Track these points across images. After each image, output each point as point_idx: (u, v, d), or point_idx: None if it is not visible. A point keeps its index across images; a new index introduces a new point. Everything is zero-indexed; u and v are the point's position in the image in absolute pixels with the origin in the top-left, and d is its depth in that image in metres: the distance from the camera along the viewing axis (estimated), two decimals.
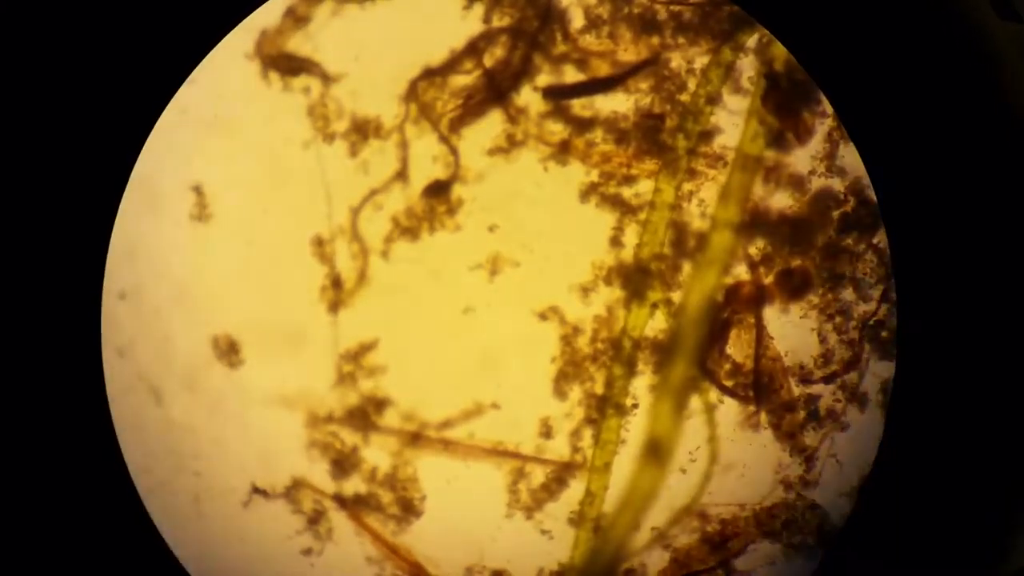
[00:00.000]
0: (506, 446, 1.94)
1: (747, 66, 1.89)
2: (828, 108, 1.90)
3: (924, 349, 1.89)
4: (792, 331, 1.94)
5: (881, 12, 1.85)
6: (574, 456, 1.95)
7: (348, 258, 1.92)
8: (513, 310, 1.91)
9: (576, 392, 1.93)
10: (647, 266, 1.91)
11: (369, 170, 1.90)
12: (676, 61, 1.89)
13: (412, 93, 1.89)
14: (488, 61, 1.89)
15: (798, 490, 1.96)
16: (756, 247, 1.92)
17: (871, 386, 1.94)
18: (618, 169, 1.89)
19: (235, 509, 2.01)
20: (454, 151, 1.90)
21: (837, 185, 1.91)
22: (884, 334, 1.92)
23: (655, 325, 1.92)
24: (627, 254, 1.91)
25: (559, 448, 1.95)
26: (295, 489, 1.99)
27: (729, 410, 1.95)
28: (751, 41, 1.89)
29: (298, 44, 1.90)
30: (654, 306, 1.92)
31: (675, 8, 1.88)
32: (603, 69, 1.89)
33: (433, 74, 1.89)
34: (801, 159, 1.91)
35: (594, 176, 1.89)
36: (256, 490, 2.00)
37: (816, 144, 1.91)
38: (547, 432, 1.94)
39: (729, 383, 1.94)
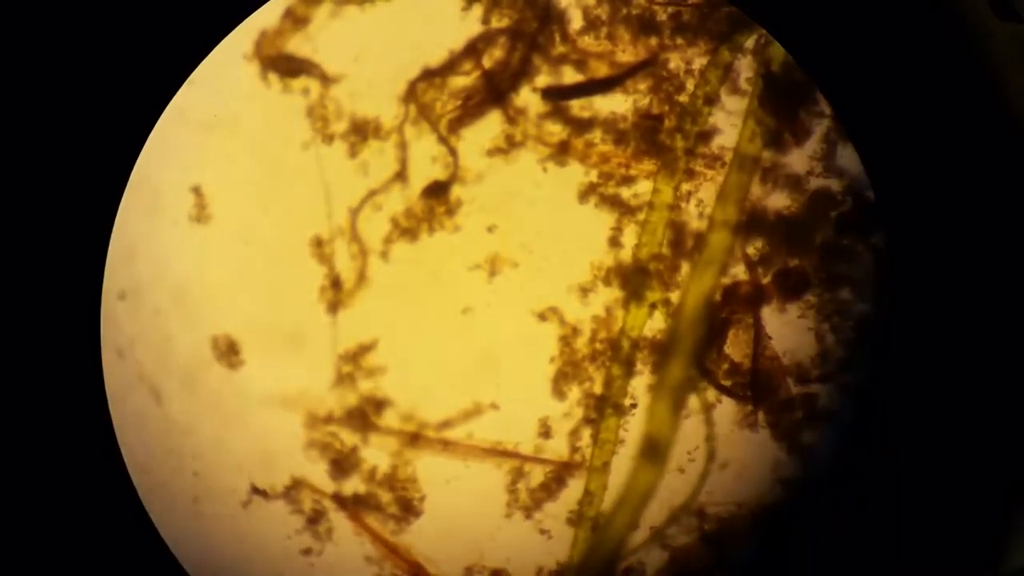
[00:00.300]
0: (505, 446, 1.95)
1: (745, 67, 1.90)
2: (826, 108, 1.90)
3: (922, 349, 1.89)
4: (790, 331, 1.94)
5: (879, 12, 1.85)
6: (573, 456, 1.95)
7: (347, 259, 1.92)
8: (512, 310, 1.91)
9: (575, 392, 1.93)
10: (646, 266, 1.91)
11: (368, 171, 1.90)
12: (674, 62, 1.89)
13: (411, 94, 1.90)
14: (487, 62, 1.89)
15: (796, 489, 1.96)
16: (754, 247, 1.92)
17: (868, 386, 1.94)
18: (617, 170, 1.90)
19: (235, 509, 2.01)
20: (453, 152, 1.90)
21: (835, 185, 1.91)
22: (881, 334, 1.93)
23: (653, 325, 1.93)
24: (626, 254, 1.91)
25: (558, 448, 1.95)
26: (294, 489, 1.99)
27: (727, 410, 1.96)
28: (749, 42, 1.90)
29: (297, 45, 1.90)
30: (652, 306, 1.92)
31: (673, 9, 1.89)
32: (602, 70, 1.89)
33: (432, 75, 1.89)
34: (798, 159, 1.91)
35: (593, 177, 1.90)
36: (255, 490, 2.00)
37: (813, 144, 1.91)
38: (546, 432, 1.94)
39: (727, 383, 1.94)
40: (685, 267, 1.92)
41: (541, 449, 1.95)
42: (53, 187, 1.88)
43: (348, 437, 1.97)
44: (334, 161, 1.91)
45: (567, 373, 1.93)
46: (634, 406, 1.94)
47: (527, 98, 1.90)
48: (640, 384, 1.94)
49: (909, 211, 1.87)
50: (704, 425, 1.96)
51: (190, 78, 1.92)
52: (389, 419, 1.95)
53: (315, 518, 2.00)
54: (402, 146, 1.90)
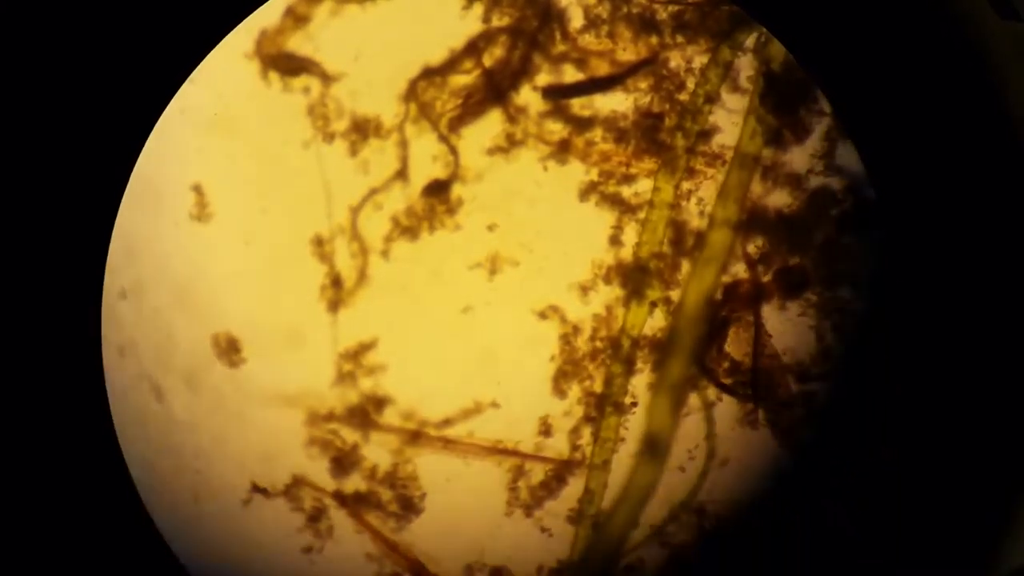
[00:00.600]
0: (505, 444, 1.95)
1: (745, 65, 1.90)
2: (826, 107, 1.90)
3: (923, 347, 1.89)
4: (790, 329, 1.94)
5: (880, 11, 1.85)
6: (573, 454, 1.95)
7: (348, 257, 1.92)
8: (512, 309, 1.91)
9: (575, 390, 1.93)
10: (646, 265, 1.91)
11: (369, 169, 1.90)
12: (675, 60, 1.89)
13: (412, 93, 1.90)
14: (487, 61, 1.89)
15: (797, 487, 1.97)
16: (754, 245, 1.92)
17: (868, 385, 1.94)
18: (617, 168, 1.90)
19: (235, 507, 2.01)
20: (454, 150, 1.90)
21: (835, 184, 1.92)
22: (882, 332, 1.93)
23: (654, 323, 1.93)
24: (626, 253, 1.91)
25: (558, 446, 1.95)
26: (295, 487, 2.00)
27: (727, 408, 1.96)
28: (749, 40, 1.90)
29: (298, 44, 1.90)
30: (653, 304, 1.92)
31: (674, 8, 1.89)
32: (602, 68, 1.89)
33: (433, 74, 1.89)
34: (799, 158, 1.91)
35: (593, 175, 1.90)
36: (256, 488, 2.00)
37: (814, 143, 1.91)
38: (546, 430, 1.94)
39: (728, 381, 1.95)
40: (685, 265, 1.92)
41: (541, 447, 1.95)
42: (54, 186, 1.88)
43: (349, 435, 1.97)
44: (335, 160, 1.91)
45: (567, 371, 1.93)
46: (634, 404, 1.94)
47: (528, 97, 1.90)
48: (640, 382, 1.94)
49: (909, 210, 1.87)
50: (704, 423, 1.96)
51: (190, 77, 1.92)
52: (390, 417, 1.96)
53: (316, 516, 2.00)
54: (403, 145, 1.90)
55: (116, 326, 1.98)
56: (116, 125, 1.89)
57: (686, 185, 1.91)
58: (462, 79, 1.90)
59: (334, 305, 1.93)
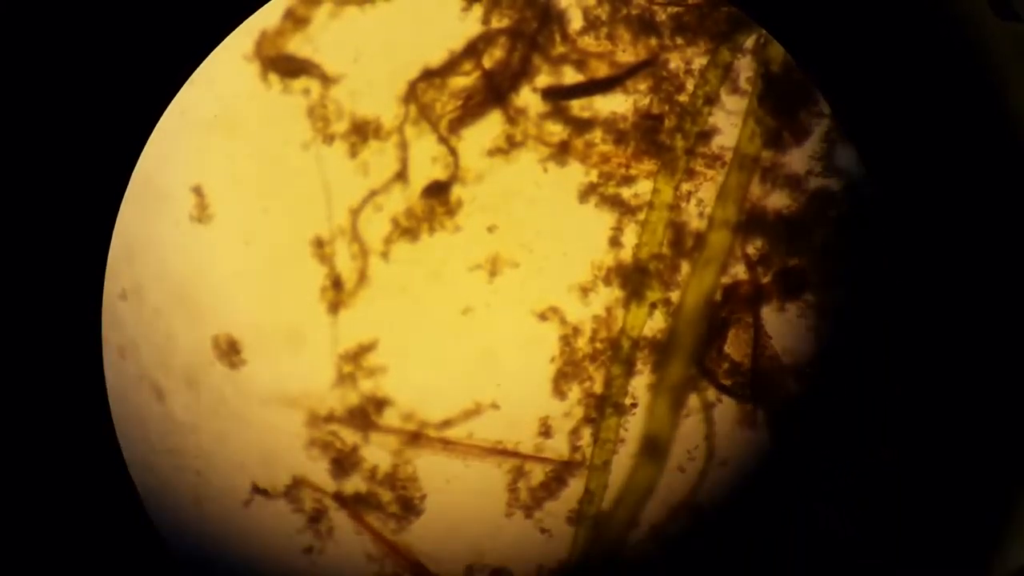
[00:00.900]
0: (505, 445, 1.95)
1: (745, 67, 1.90)
2: (825, 108, 1.90)
3: (922, 348, 1.89)
4: (790, 330, 1.95)
5: (879, 12, 1.85)
6: (573, 455, 1.96)
7: (348, 259, 1.92)
8: (512, 310, 1.91)
9: (575, 392, 1.94)
10: (646, 266, 1.92)
11: (369, 171, 1.91)
12: (674, 62, 1.89)
13: (411, 94, 1.90)
14: (487, 62, 1.89)
15: (796, 488, 1.97)
16: (754, 247, 1.93)
17: (868, 385, 1.94)
18: (617, 169, 1.90)
19: (236, 508, 2.02)
20: (453, 152, 1.90)
21: (834, 185, 1.92)
22: (882, 333, 1.93)
23: (654, 325, 1.93)
24: (626, 254, 1.91)
25: (558, 447, 1.95)
26: (295, 488, 2.00)
27: (727, 408, 1.96)
28: (749, 42, 1.90)
29: (298, 46, 1.90)
30: (653, 306, 1.93)
31: (673, 9, 1.89)
32: (602, 70, 1.89)
33: (432, 75, 1.89)
34: (798, 159, 1.91)
35: (593, 176, 1.90)
36: (257, 489, 2.01)
37: (813, 144, 1.91)
38: (546, 431, 1.95)
39: (727, 382, 1.95)
40: (685, 267, 1.92)
41: (541, 448, 1.95)
42: (54, 187, 1.88)
43: (349, 436, 1.97)
44: (334, 161, 1.91)
45: (567, 373, 1.93)
46: (634, 405, 1.95)
47: (527, 98, 1.90)
48: (640, 383, 1.94)
49: (908, 211, 1.87)
50: (704, 424, 1.96)
51: (191, 78, 1.92)
52: (390, 418, 1.96)
53: (316, 517, 2.01)
54: (402, 146, 1.90)
55: (117, 327, 1.99)
56: (117, 126, 1.89)
57: (686, 186, 1.91)
58: (462, 81, 1.90)
59: (334, 306, 1.93)
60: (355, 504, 1.99)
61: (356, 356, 1.94)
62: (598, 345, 1.93)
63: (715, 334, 1.94)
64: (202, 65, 1.91)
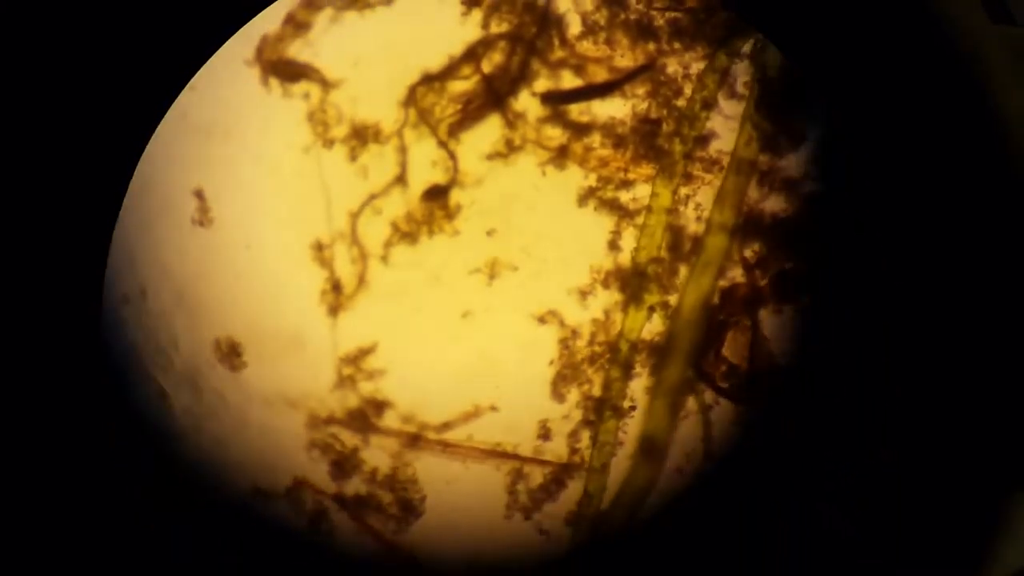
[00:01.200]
0: (505, 447, 1.96)
1: (742, 71, 1.91)
2: (821, 112, 1.91)
3: (921, 350, 1.90)
4: (787, 333, 1.95)
5: (875, 17, 1.86)
6: (572, 457, 1.96)
7: (348, 262, 1.92)
8: (511, 314, 1.91)
9: (574, 394, 1.94)
10: (644, 269, 1.92)
11: (368, 175, 1.91)
12: (672, 67, 1.90)
13: (411, 98, 1.90)
14: (486, 67, 1.90)
15: (795, 489, 1.98)
16: (751, 250, 1.93)
17: (868, 387, 1.95)
18: (615, 174, 1.90)
19: (237, 509, 2.02)
20: (453, 156, 1.90)
21: (830, 189, 1.92)
22: (880, 335, 1.94)
23: (652, 328, 1.94)
24: (624, 258, 1.92)
25: (557, 449, 1.96)
26: (296, 489, 2.01)
27: (725, 410, 1.97)
28: (746, 47, 1.90)
29: (298, 50, 1.91)
30: (651, 309, 1.93)
31: (671, 14, 1.89)
32: (600, 75, 1.90)
33: (432, 80, 1.90)
34: (795, 163, 1.92)
35: (592, 181, 1.90)
36: (258, 490, 2.01)
37: (809, 148, 1.92)
38: (545, 434, 1.95)
39: (725, 384, 1.95)
40: (683, 270, 1.93)
41: (540, 451, 1.96)
42: (55, 192, 1.89)
43: (349, 438, 1.98)
44: (334, 165, 1.91)
45: (566, 376, 1.94)
46: (633, 408, 1.95)
47: (526, 102, 1.90)
48: (638, 386, 1.95)
49: (905, 214, 1.88)
50: (702, 426, 1.97)
51: (191, 83, 1.92)
52: (390, 421, 1.97)
53: (317, 518, 2.01)
54: (402, 150, 1.91)
55: (118, 331, 1.99)
56: (117, 130, 1.89)
57: (683, 190, 1.91)
58: (461, 85, 1.90)
59: (334, 310, 1.93)
60: (355, 505, 2.00)
61: (356, 359, 1.94)
62: (597, 348, 1.93)
63: (713, 337, 1.94)
64: (203, 69, 1.91)
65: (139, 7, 1.88)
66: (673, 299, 1.93)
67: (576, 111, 1.90)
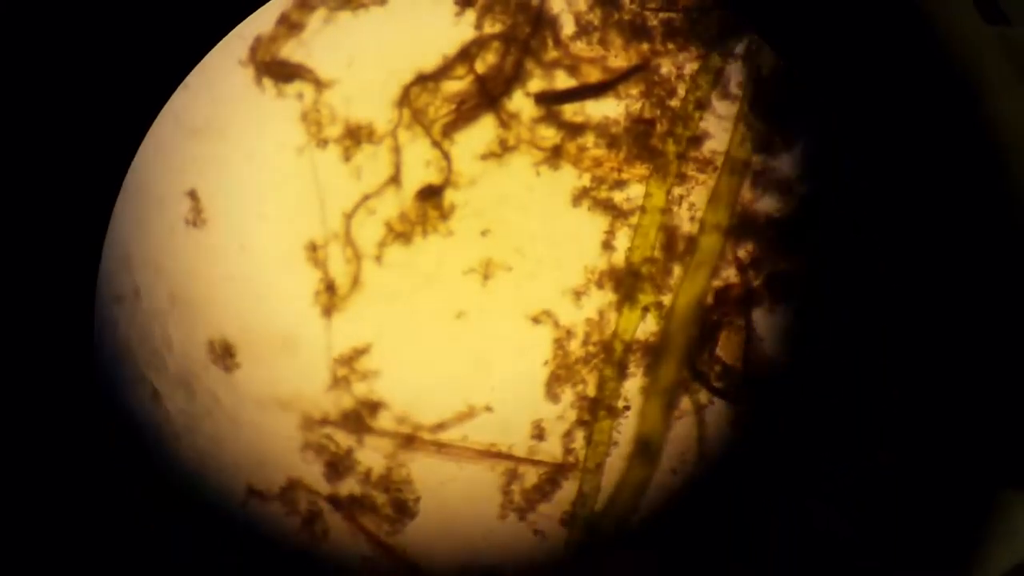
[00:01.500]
0: (499, 448, 1.96)
1: (735, 72, 1.91)
2: (816, 113, 1.91)
3: (918, 351, 1.90)
4: (781, 333, 1.95)
5: (869, 17, 1.86)
6: (566, 458, 1.96)
7: (342, 263, 1.92)
8: (506, 314, 1.91)
9: (568, 395, 1.94)
10: (638, 270, 1.92)
11: (362, 175, 1.91)
12: (666, 67, 1.90)
13: (405, 99, 1.90)
14: (480, 67, 1.90)
15: (792, 490, 1.98)
16: (745, 250, 1.93)
17: (865, 388, 1.95)
18: (609, 174, 1.91)
19: (232, 510, 2.02)
20: (447, 156, 1.90)
21: (824, 189, 1.93)
22: (876, 336, 1.94)
23: (646, 328, 1.94)
24: (618, 258, 1.92)
25: (552, 450, 1.96)
26: (290, 490, 2.00)
27: (719, 411, 1.97)
28: (739, 47, 1.91)
29: (291, 51, 1.91)
30: (645, 309, 1.93)
31: (665, 15, 1.90)
32: (594, 75, 1.90)
33: (426, 80, 1.90)
34: (788, 163, 1.92)
35: (586, 181, 1.90)
36: (252, 491, 2.01)
37: (803, 148, 1.92)
38: (540, 434, 1.95)
39: (719, 384, 1.96)
40: (677, 270, 1.93)
41: (535, 451, 1.96)
42: (47, 192, 1.89)
43: (343, 439, 1.98)
44: (328, 166, 1.91)
45: (560, 376, 1.94)
46: (627, 408, 1.95)
47: (520, 103, 1.90)
48: (633, 386, 1.95)
49: (901, 215, 1.88)
50: (696, 426, 1.97)
51: (184, 83, 1.92)
52: (384, 421, 1.96)
53: (311, 519, 2.01)
54: (396, 150, 1.91)
55: (111, 331, 1.99)
56: (110, 130, 1.89)
57: (677, 190, 1.92)
58: (455, 85, 1.90)
59: (328, 310, 1.93)
60: (350, 506, 2.00)
61: (350, 360, 1.94)
62: (591, 348, 1.93)
63: (707, 337, 1.95)
64: (196, 69, 1.91)
65: (133, 7, 1.88)
66: (667, 299, 1.93)
67: (570, 111, 1.90)
